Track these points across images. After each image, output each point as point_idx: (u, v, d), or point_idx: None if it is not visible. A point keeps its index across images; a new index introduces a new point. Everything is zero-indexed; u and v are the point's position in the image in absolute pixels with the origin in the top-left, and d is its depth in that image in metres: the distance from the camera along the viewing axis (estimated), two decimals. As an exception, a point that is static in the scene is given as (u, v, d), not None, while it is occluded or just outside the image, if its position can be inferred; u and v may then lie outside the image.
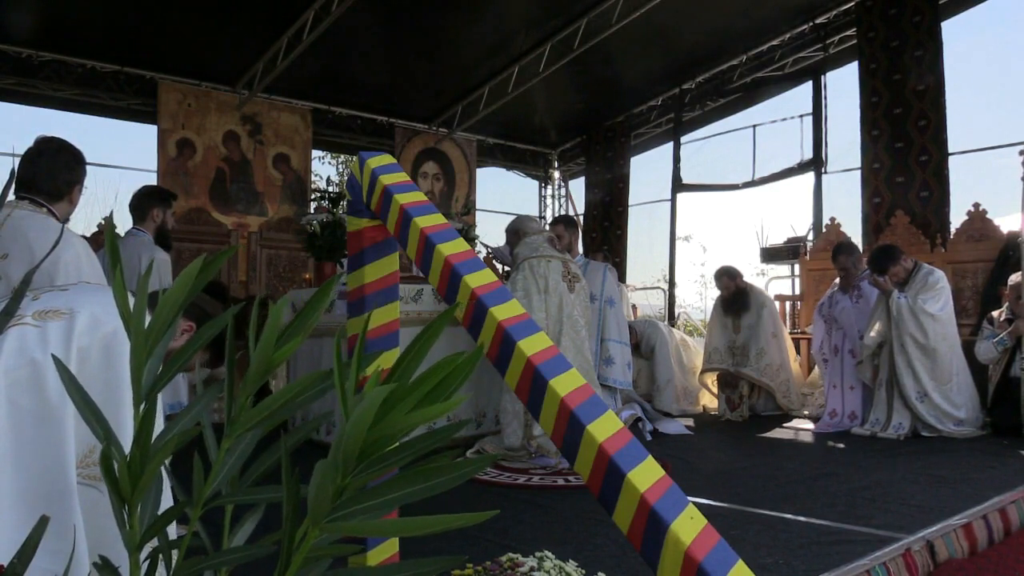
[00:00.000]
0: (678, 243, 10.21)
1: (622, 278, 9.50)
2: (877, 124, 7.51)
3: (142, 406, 0.76)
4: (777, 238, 8.74)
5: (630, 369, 5.43)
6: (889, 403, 5.24)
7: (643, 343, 6.53)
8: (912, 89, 7.28)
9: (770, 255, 8.33)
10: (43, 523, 0.87)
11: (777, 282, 8.82)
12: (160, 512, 0.81)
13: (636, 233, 10.66)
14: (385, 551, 1.62)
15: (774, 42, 8.91)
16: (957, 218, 6.90)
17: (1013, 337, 5.05)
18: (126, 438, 0.98)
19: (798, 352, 6.95)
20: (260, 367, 0.74)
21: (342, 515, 0.66)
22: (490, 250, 5.91)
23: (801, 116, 8.72)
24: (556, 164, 11.86)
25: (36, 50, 7.16)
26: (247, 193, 8.32)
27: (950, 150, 7.12)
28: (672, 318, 9.96)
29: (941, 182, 7.11)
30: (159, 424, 1.07)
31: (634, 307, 9.74)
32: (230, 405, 0.78)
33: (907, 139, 7.30)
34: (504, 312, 1.27)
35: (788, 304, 7.89)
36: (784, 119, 9.03)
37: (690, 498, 1.07)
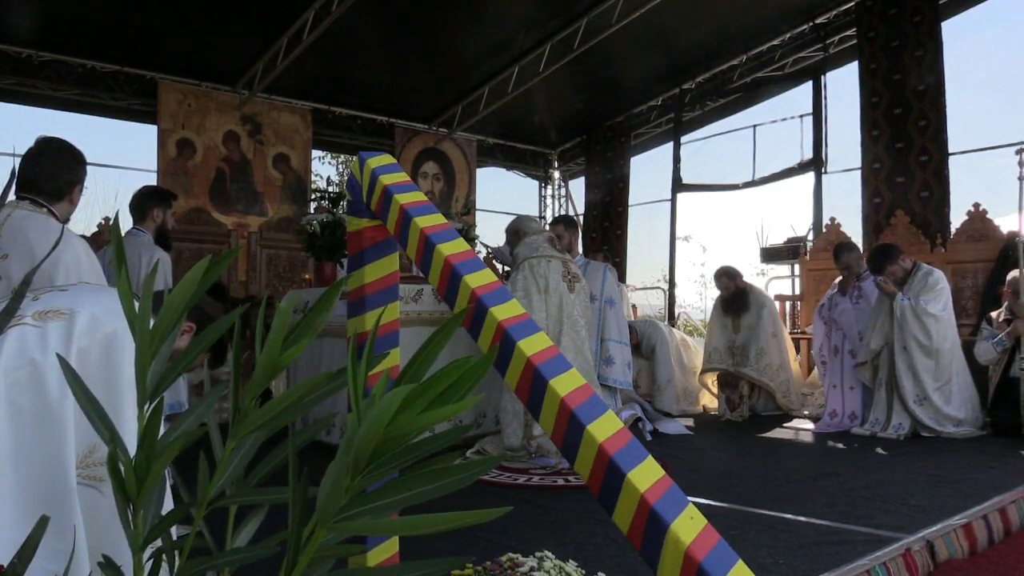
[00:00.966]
0: (678, 243, 10.22)
1: (622, 278, 9.50)
2: (877, 124, 7.51)
3: (147, 406, 0.76)
4: (777, 238, 8.75)
5: (630, 369, 5.44)
6: (889, 403, 5.24)
7: (643, 343, 6.53)
8: (912, 89, 7.28)
9: (770, 255, 8.33)
10: (43, 523, 0.87)
11: (777, 282, 8.83)
12: (162, 512, 0.81)
13: (636, 233, 10.67)
14: (385, 551, 1.62)
15: (774, 42, 8.91)
16: (957, 218, 6.91)
17: (1012, 337, 5.05)
18: (126, 438, 0.98)
19: (798, 352, 6.96)
20: (266, 368, 0.74)
21: (348, 515, 0.66)
22: (490, 250, 5.91)
23: (801, 116, 8.73)
24: (556, 164, 11.86)
25: (36, 50, 7.16)
26: (247, 193, 8.32)
27: (950, 150, 7.13)
28: (672, 318, 9.96)
29: (941, 182, 7.11)
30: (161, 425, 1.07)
31: (634, 307, 9.74)
32: (235, 406, 0.78)
33: (907, 139, 7.30)
34: (504, 312, 1.28)
35: (788, 304, 7.90)
36: (784, 119, 9.05)
37: (690, 498, 1.08)
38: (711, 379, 6.59)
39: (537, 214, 11.67)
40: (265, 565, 0.93)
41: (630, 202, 10.51)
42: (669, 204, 9.90)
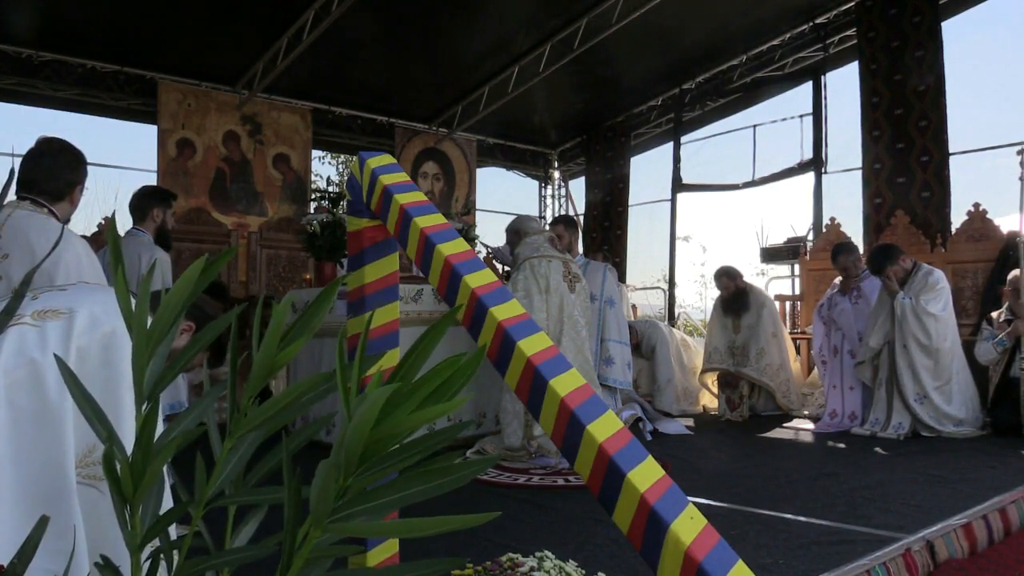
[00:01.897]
0: (678, 243, 10.22)
1: (622, 278, 9.50)
2: (878, 124, 7.51)
3: (144, 406, 0.76)
4: (777, 238, 8.75)
5: (630, 369, 5.44)
6: (889, 403, 5.24)
7: (643, 343, 6.53)
8: (912, 89, 7.28)
9: (770, 255, 8.33)
10: (43, 523, 0.87)
11: (777, 282, 8.83)
12: (160, 512, 0.81)
13: (636, 233, 10.66)
14: (385, 552, 1.62)
15: (774, 42, 8.91)
16: (957, 218, 6.91)
17: (1012, 338, 5.05)
18: (125, 438, 0.98)
19: (798, 352, 6.96)
20: (264, 367, 0.74)
21: (344, 516, 0.66)
22: (490, 250, 5.91)
23: (801, 116, 8.72)
24: (556, 164, 11.86)
25: (36, 50, 7.16)
26: (247, 193, 8.32)
27: (951, 150, 7.12)
28: (672, 318, 9.96)
29: (942, 182, 7.11)
30: (158, 425, 1.07)
31: (634, 307, 9.74)
32: (233, 406, 0.78)
33: (908, 139, 7.30)
34: (504, 312, 1.28)
35: (788, 304, 7.89)
36: (784, 119, 9.04)
37: (690, 498, 1.07)
38: (711, 379, 6.59)
39: (537, 214, 11.67)
40: (264, 565, 0.93)
41: (630, 202, 10.51)
42: (669, 204, 9.90)
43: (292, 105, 8.71)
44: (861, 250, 6.47)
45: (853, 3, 8.01)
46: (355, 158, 1.74)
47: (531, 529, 2.91)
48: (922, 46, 7.24)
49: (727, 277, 6.50)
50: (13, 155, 6.52)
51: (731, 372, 6.26)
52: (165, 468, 0.82)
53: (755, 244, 11.96)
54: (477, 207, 10.44)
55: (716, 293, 6.77)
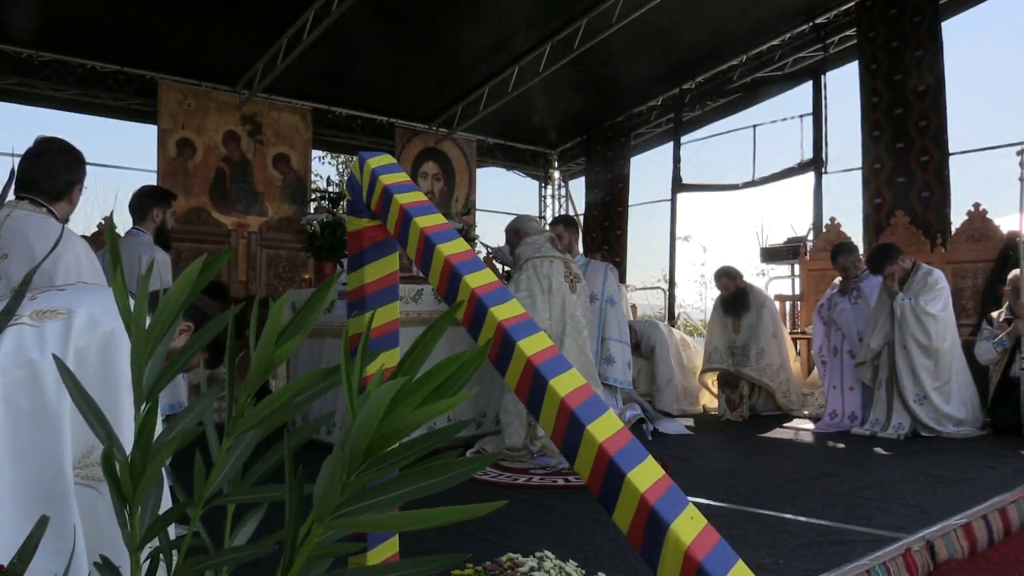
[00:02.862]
0: (678, 243, 10.22)
1: (622, 278, 9.50)
2: (878, 124, 7.51)
3: (143, 406, 0.76)
4: (777, 238, 8.75)
5: (630, 368, 5.44)
6: (889, 403, 5.24)
7: (643, 343, 6.53)
8: (912, 89, 7.28)
9: (770, 255, 8.33)
10: (43, 523, 0.87)
11: (777, 282, 8.83)
12: (159, 512, 0.81)
13: (636, 233, 10.67)
14: (385, 551, 1.62)
15: (774, 42, 8.91)
16: (957, 218, 6.91)
17: (1012, 338, 5.05)
18: (124, 438, 0.98)
19: (798, 352, 6.95)
20: (261, 366, 0.74)
21: (346, 512, 0.66)
22: (490, 250, 5.91)
23: (801, 116, 8.73)
24: (556, 164, 11.86)
25: (36, 50, 7.16)
26: (247, 193, 8.32)
27: (950, 150, 7.12)
28: (672, 318, 9.96)
29: (942, 182, 7.11)
30: (157, 425, 1.07)
31: (634, 307, 9.74)
32: (231, 404, 0.78)
33: (908, 139, 7.30)
34: (504, 312, 1.27)
35: (788, 304, 7.89)
36: (784, 119, 9.04)
37: (690, 498, 1.07)
38: (711, 379, 6.59)
39: (537, 214, 11.67)
40: (264, 564, 0.93)
41: (630, 202, 10.51)
42: (669, 204, 9.90)
43: (292, 105, 8.71)
44: (861, 250, 6.48)
45: (853, 3, 8.01)
46: (355, 158, 1.73)
47: (531, 529, 2.91)
48: (922, 46, 7.25)
49: (727, 277, 6.50)
50: (13, 155, 6.52)
51: (731, 372, 6.26)
52: (164, 468, 0.82)
53: (755, 244, 11.96)
54: (477, 207, 10.45)
55: (716, 293, 6.77)
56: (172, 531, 0.90)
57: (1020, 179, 4.99)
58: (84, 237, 2.88)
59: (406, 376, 0.65)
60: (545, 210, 11.84)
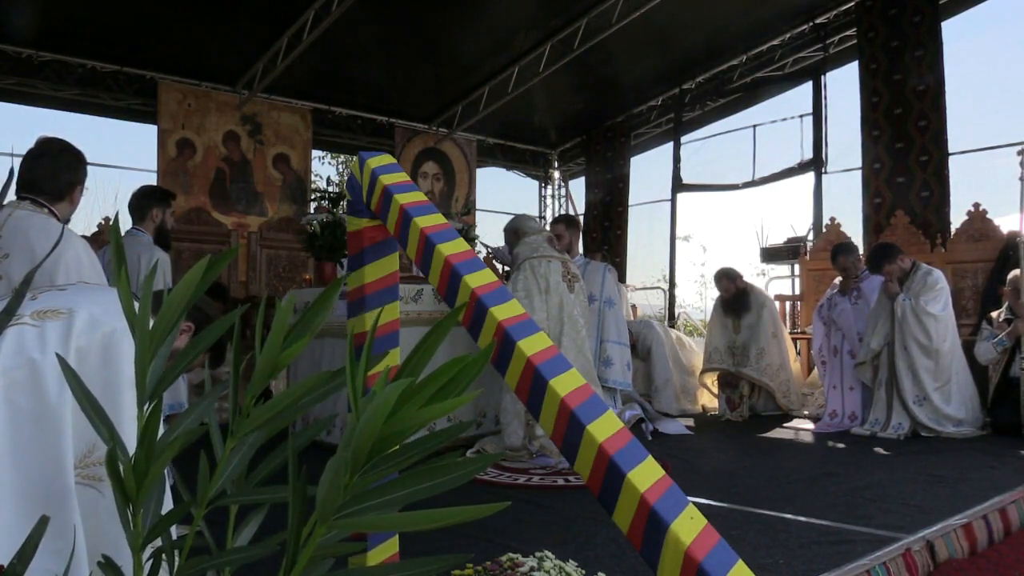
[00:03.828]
0: (678, 243, 10.23)
1: (622, 278, 9.50)
2: (877, 124, 7.51)
3: (147, 406, 0.76)
4: (777, 238, 8.75)
5: (630, 370, 5.44)
6: (888, 403, 5.24)
7: (639, 344, 6.52)
8: (912, 89, 7.28)
9: (770, 255, 8.33)
10: (43, 523, 0.87)
11: (777, 282, 8.83)
12: (161, 512, 0.81)
13: (636, 233, 10.67)
14: (385, 551, 1.62)
15: (774, 42, 8.91)
16: (957, 218, 6.92)
17: (1012, 338, 5.05)
18: (125, 438, 0.98)
19: (798, 352, 6.95)
20: (266, 367, 0.74)
21: (349, 513, 0.66)
22: (490, 250, 5.91)
23: (801, 116, 8.73)
24: (556, 164, 11.86)
25: (36, 50, 7.16)
26: (247, 193, 8.32)
27: (950, 150, 7.13)
28: (672, 318, 9.97)
29: (941, 182, 7.11)
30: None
31: (634, 307, 9.74)
32: (235, 406, 0.78)
33: (907, 139, 7.30)
34: (504, 312, 1.28)
35: (788, 304, 7.90)
36: (784, 119, 9.04)
37: (690, 498, 1.08)
38: (711, 379, 6.59)
39: (537, 214, 11.67)
40: (265, 564, 0.93)
41: (630, 202, 10.51)
42: (669, 204, 9.90)
43: (292, 105, 8.71)
44: (861, 250, 6.48)
45: (853, 3, 8.01)
46: (355, 158, 1.74)
47: (531, 529, 2.91)
48: (922, 46, 7.25)
49: (727, 279, 6.50)
50: (13, 155, 6.51)
51: (731, 372, 6.26)
52: (166, 468, 0.82)
53: (755, 244, 11.95)
54: (477, 207, 10.45)
55: (716, 293, 6.77)
56: (173, 531, 0.90)
57: (1020, 179, 5.00)
58: (84, 237, 2.88)
59: (410, 377, 0.65)
60: (545, 210, 11.84)
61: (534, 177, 11.91)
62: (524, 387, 1.21)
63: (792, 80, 9.03)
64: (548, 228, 5.43)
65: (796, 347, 6.97)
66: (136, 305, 0.80)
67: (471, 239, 6.45)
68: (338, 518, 0.66)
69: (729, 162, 10.21)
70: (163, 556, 0.83)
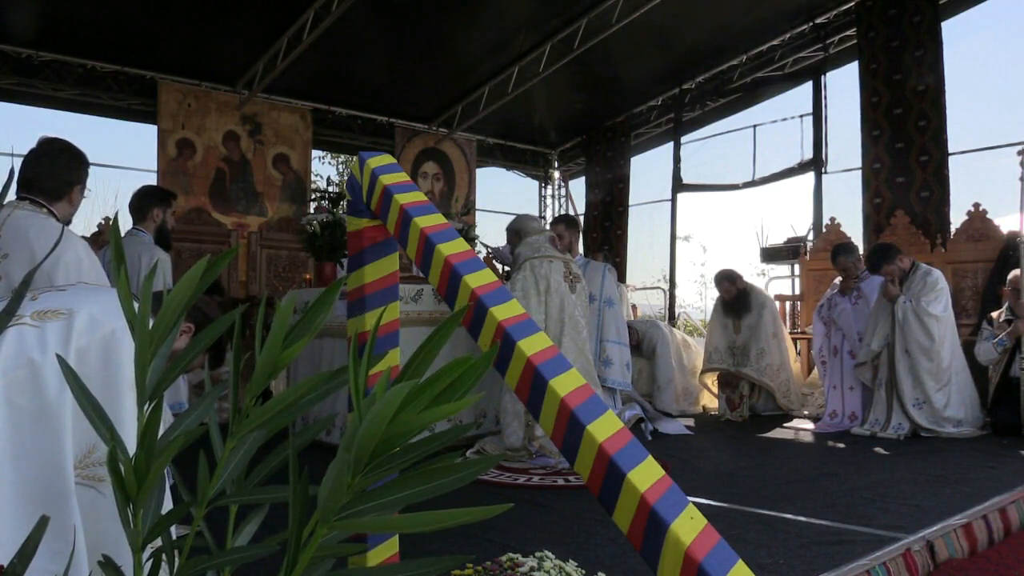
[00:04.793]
0: (678, 243, 10.22)
1: (622, 278, 9.50)
2: (877, 124, 7.51)
3: (147, 406, 0.76)
4: (777, 238, 8.75)
5: (629, 370, 5.43)
6: (888, 403, 5.24)
7: (644, 343, 6.52)
8: (912, 89, 7.28)
9: (770, 255, 8.33)
10: (43, 523, 0.87)
11: (777, 282, 8.83)
12: (161, 512, 0.81)
13: (636, 233, 10.66)
14: (385, 551, 1.62)
15: (774, 42, 8.91)
16: (957, 218, 6.91)
17: (1012, 338, 5.05)
18: (125, 438, 0.98)
19: (798, 352, 6.95)
20: (267, 368, 0.74)
21: (350, 513, 0.66)
22: (490, 250, 5.91)
23: (801, 116, 8.73)
24: (556, 164, 11.86)
25: (36, 50, 7.15)
26: (247, 193, 8.32)
27: (950, 150, 7.13)
28: (672, 318, 9.96)
29: (941, 182, 7.11)
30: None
31: (634, 307, 9.75)
32: (235, 406, 0.78)
33: (907, 139, 7.30)
34: (504, 312, 1.28)
35: (788, 304, 7.90)
36: (784, 119, 9.04)
37: (690, 498, 1.08)
38: (711, 379, 6.59)
39: (537, 214, 11.67)
40: (266, 564, 0.93)
41: (630, 202, 10.51)
42: (669, 204, 9.90)
43: (292, 105, 8.71)
44: (861, 250, 6.47)
45: (853, 3, 8.01)
46: (355, 158, 1.74)
47: (531, 529, 2.91)
48: (922, 46, 7.25)
49: (728, 281, 6.49)
50: (13, 155, 6.51)
51: (731, 372, 6.26)
52: (166, 468, 0.82)
53: (755, 244, 11.96)
54: (477, 207, 10.45)
55: (716, 293, 6.77)
56: (173, 531, 0.90)
57: (1020, 179, 5.00)
58: (84, 237, 2.88)
59: (414, 379, 0.65)
60: (545, 210, 11.84)
61: (534, 177, 11.90)
62: (524, 387, 1.21)
63: (792, 80, 9.03)
64: (548, 228, 5.43)
65: (796, 347, 6.97)
66: (136, 305, 0.80)
67: (471, 239, 6.45)
68: (339, 519, 0.66)
69: (729, 162, 10.21)
70: (163, 556, 0.83)
